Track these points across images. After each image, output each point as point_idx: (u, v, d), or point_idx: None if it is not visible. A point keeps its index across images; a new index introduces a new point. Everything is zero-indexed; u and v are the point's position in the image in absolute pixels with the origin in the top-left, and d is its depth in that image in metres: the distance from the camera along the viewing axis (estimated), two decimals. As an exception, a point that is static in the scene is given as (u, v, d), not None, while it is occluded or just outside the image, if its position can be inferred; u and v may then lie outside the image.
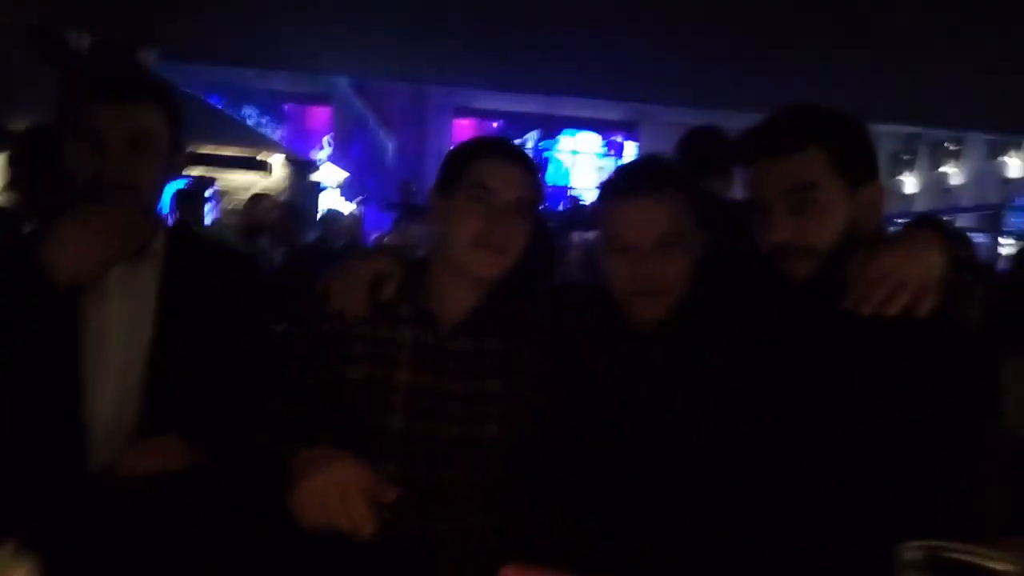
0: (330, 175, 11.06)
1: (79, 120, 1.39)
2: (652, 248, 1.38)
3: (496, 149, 1.48)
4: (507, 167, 1.44)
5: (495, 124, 12.74)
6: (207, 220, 8.16)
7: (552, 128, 13.10)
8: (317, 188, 10.84)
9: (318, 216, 6.83)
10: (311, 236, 5.62)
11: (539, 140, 13.08)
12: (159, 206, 1.56)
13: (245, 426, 1.42)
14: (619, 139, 12.85)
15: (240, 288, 1.58)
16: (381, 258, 1.52)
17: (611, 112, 12.73)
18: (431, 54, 5.55)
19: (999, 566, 0.64)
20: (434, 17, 4.46)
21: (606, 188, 1.53)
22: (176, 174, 1.54)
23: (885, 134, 11.48)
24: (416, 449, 1.40)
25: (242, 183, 9.59)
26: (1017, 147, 9.85)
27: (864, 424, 1.21)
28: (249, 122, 11.05)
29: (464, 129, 12.43)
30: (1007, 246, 7.31)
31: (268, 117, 12.71)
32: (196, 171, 7.48)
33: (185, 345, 1.44)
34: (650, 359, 1.48)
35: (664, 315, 1.43)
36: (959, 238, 2.50)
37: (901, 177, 11.79)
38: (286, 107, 12.36)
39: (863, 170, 1.26)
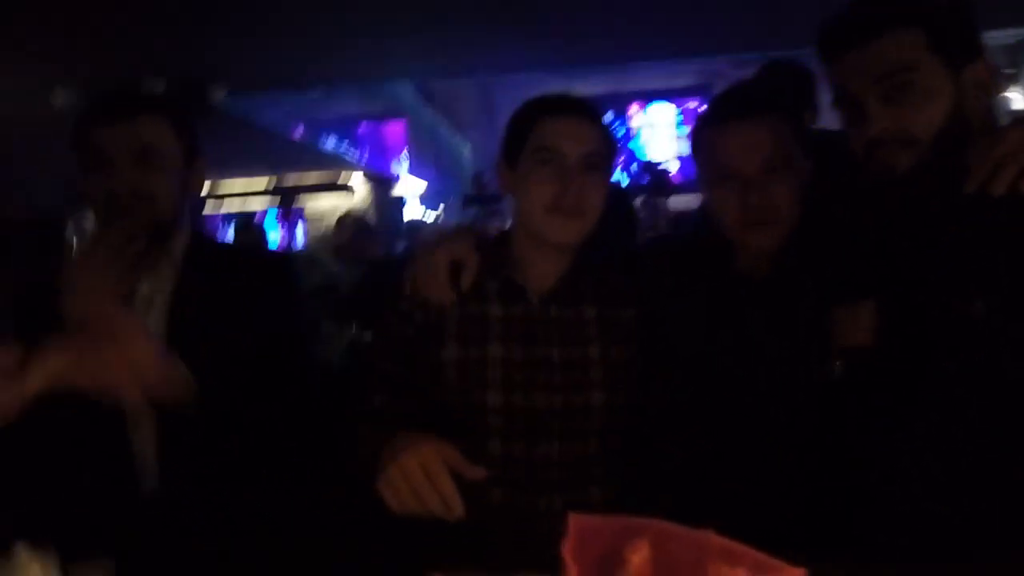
0: (409, 187, 11.27)
1: (87, 147, 1.40)
2: (759, 173, 1.31)
3: (555, 106, 1.41)
4: (570, 123, 1.38)
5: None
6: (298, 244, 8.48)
7: (623, 105, 12.88)
8: (400, 202, 11.07)
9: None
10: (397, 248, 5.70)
11: (612, 121, 12.90)
12: (182, 220, 1.54)
13: (275, 428, 1.42)
14: (694, 105, 12.49)
15: (264, 293, 1.54)
16: (456, 242, 1.48)
17: (681, 79, 12.39)
18: (491, 46, 5.53)
19: None
20: (488, 8, 4.44)
21: (704, 117, 1.45)
22: (196, 189, 1.53)
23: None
24: (519, 424, 1.37)
25: (327, 206, 9.93)
26: None
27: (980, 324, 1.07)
28: (329, 147, 11.41)
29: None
30: None
31: (347, 140, 13.08)
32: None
33: (192, 353, 1.42)
34: (763, 309, 1.41)
35: (776, 247, 1.35)
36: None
37: (1007, 93, 10.96)
38: (362, 125, 12.65)
39: (965, 47, 1.12)
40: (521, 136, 1.40)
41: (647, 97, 12.89)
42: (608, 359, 1.42)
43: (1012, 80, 11.00)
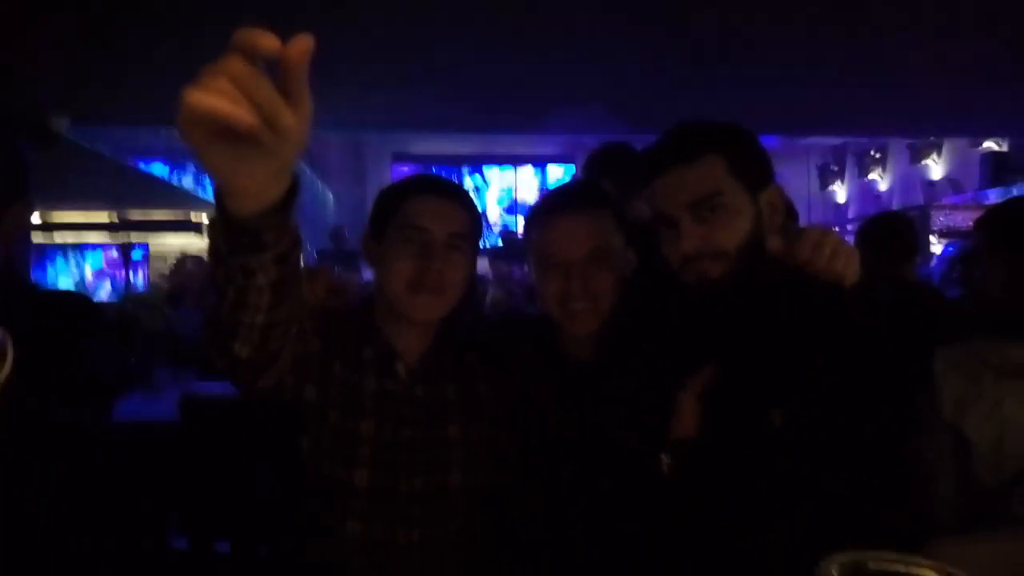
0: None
1: None
2: (584, 262, 1.40)
3: (425, 186, 1.44)
4: (437, 203, 1.40)
5: (433, 169, 12.80)
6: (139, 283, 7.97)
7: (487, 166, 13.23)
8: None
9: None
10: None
11: (470, 172, 13.19)
12: None
13: None
14: (557, 172, 12.97)
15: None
16: (329, 275, 1.47)
17: (547, 147, 12.89)
18: (361, 102, 5.51)
19: (927, 573, 0.58)
20: (360, 65, 4.44)
21: (536, 209, 1.54)
22: (12, 230, 1.33)
23: (814, 148, 11.85)
24: (382, 507, 1.33)
25: (177, 246, 9.41)
26: (938, 151, 10.24)
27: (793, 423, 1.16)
28: (185, 185, 10.88)
29: (404, 176, 12.43)
30: (935, 244, 7.56)
31: (204, 178, 12.51)
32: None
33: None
34: (588, 390, 1.46)
35: (597, 330, 1.43)
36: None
37: (832, 187, 12.15)
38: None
39: (760, 174, 1.28)
40: (389, 211, 1.41)
41: (512, 161, 13.29)
42: (467, 439, 1.42)
43: (837, 176, 12.25)
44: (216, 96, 0.62)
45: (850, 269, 1.25)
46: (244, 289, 0.93)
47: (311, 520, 1.34)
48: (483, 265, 5.53)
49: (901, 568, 0.57)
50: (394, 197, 1.43)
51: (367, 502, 1.33)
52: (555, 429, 1.48)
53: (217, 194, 0.83)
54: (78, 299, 1.46)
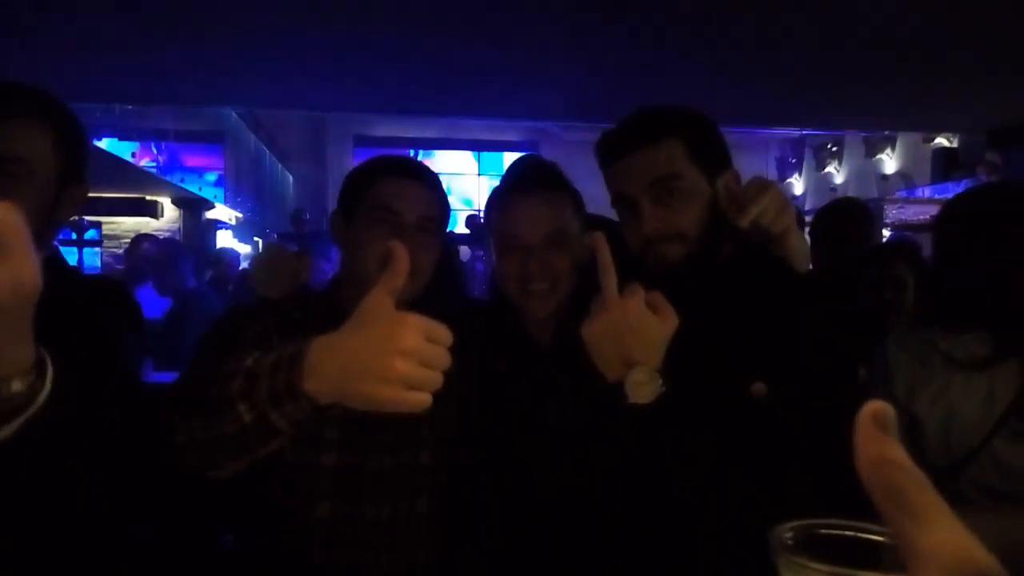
0: (224, 214, 10.74)
1: None
2: (541, 245, 1.41)
3: (396, 168, 1.44)
4: (408, 185, 1.40)
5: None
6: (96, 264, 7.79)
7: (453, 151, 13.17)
8: (214, 226, 10.50)
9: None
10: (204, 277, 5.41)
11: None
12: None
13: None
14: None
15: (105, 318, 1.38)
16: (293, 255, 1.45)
17: (510, 133, 12.90)
18: (325, 82, 5.45)
19: (881, 538, 0.60)
20: (326, 46, 4.39)
21: (497, 190, 1.55)
22: (69, 212, 1.33)
23: (773, 140, 12.05)
24: (349, 486, 1.33)
25: (131, 226, 9.19)
26: (892, 146, 10.49)
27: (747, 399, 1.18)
28: (138, 164, 10.60)
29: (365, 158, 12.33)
30: (887, 238, 7.76)
31: (159, 158, 12.25)
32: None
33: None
34: (547, 374, 1.47)
35: (551, 313, 1.45)
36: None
37: (791, 180, 12.39)
38: (177, 144, 11.94)
39: (718, 160, 1.30)
40: (359, 193, 1.41)
41: (475, 146, 13.26)
42: (436, 417, 1.42)
43: (795, 168, 12.48)
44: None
45: (787, 219, 1.27)
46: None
47: (276, 503, 1.34)
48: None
49: (850, 534, 0.59)
50: (364, 178, 1.43)
51: (334, 482, 1.33)
52: (514, 413, 1.48)
53: None
54: (117, 289, 1.45)
